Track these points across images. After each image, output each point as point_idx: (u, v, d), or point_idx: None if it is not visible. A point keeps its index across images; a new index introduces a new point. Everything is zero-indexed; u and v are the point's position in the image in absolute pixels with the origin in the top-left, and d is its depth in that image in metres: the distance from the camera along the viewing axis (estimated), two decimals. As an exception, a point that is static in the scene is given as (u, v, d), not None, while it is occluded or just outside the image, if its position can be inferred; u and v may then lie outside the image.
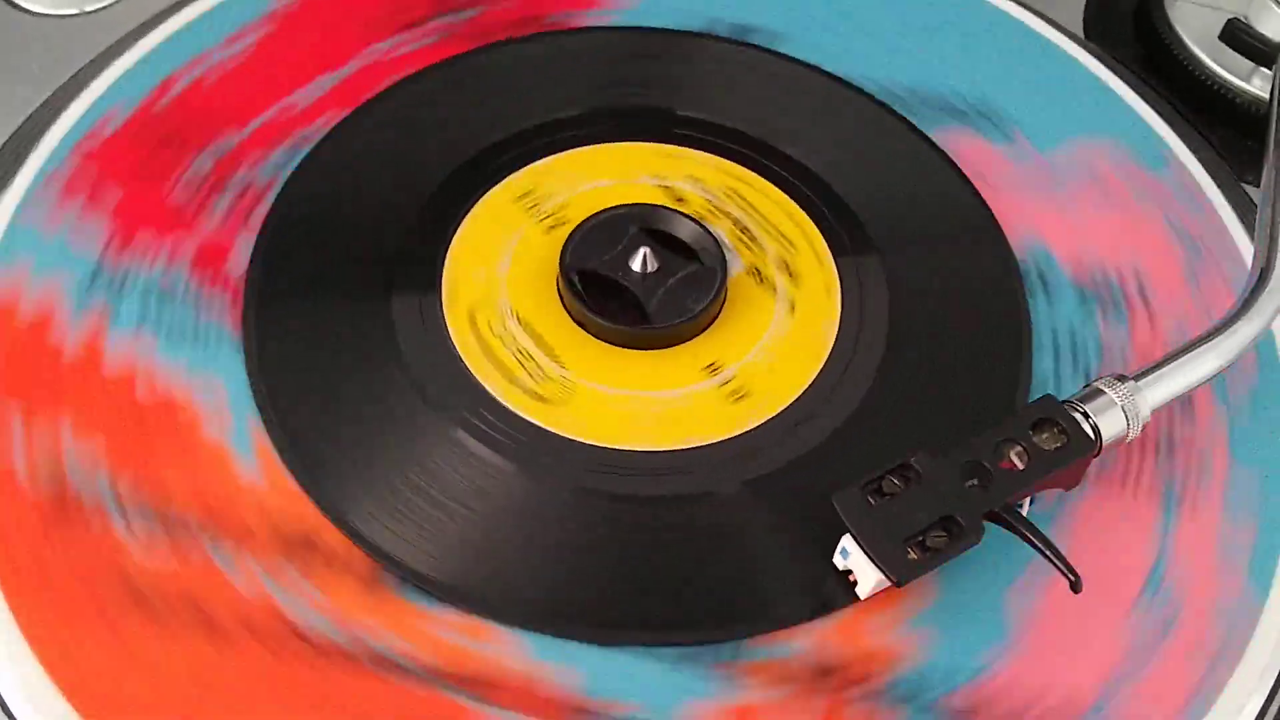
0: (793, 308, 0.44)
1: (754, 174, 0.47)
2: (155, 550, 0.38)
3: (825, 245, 0.45)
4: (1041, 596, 0.39)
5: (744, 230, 0.45)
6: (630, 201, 0.44)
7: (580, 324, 0.43)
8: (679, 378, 0.42)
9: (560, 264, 0.43)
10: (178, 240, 0.44)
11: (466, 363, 0.42)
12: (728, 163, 0.47)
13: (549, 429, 0.41)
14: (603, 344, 0.42)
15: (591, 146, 0.47)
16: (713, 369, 0.42)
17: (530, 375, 0.42)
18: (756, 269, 0.45)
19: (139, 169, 0.45)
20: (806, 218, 0.46)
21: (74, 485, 0.39)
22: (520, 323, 0.43)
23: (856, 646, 0.38)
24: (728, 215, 0.46)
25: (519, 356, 0.42)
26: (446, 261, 0.44)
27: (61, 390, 0.41)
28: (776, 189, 0.47)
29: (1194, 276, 0.46)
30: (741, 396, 0.42)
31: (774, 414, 0.41)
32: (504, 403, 0.41)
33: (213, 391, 0.41)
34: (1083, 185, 0.48)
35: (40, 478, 0.39)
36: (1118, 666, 0.38)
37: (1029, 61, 0.51)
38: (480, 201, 0.45)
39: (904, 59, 0.50)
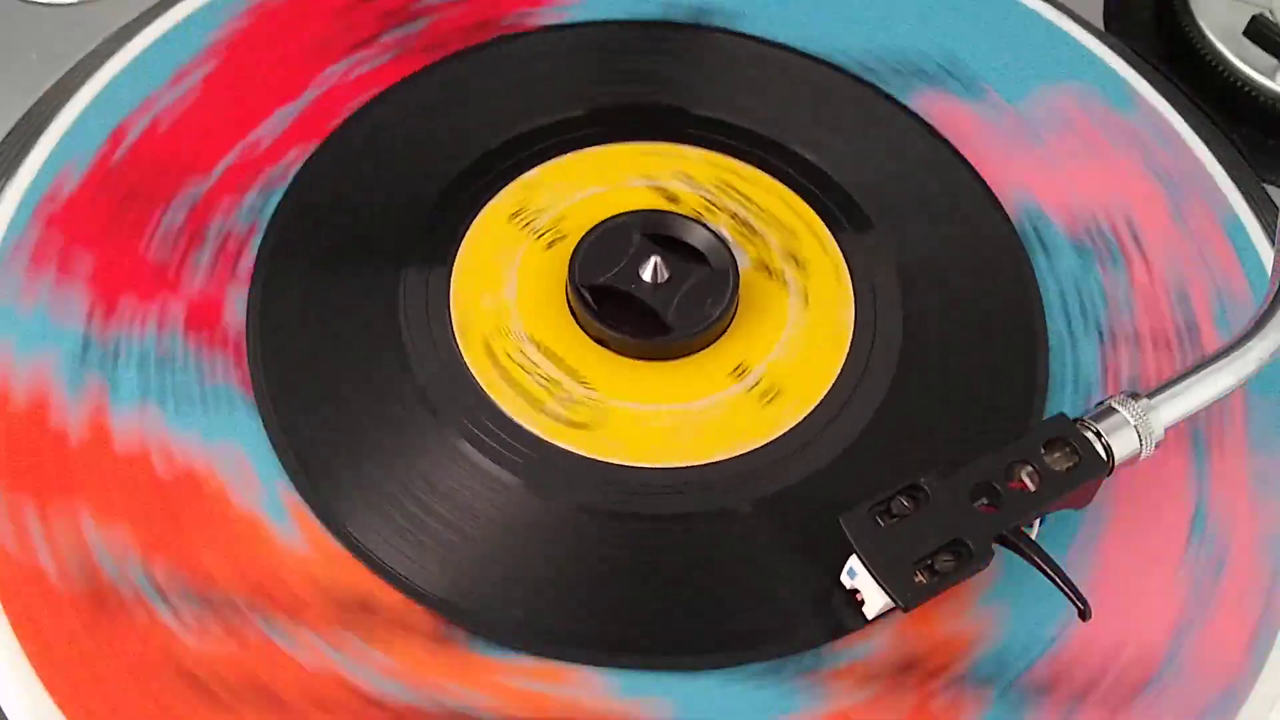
0: (806, 297, 0.43)
1: (743, 163, 0.46)
2: (208, 635, 0.36)
3: (825, 229, 0.45)
4: (1099, 558, 0.39)
5: (743, 224, 0.45)
6: (628, 209, 0.43)
7: (599, 340, 0.42)
8: (708, 385, 0.41)
9: (569, 281, 0.42)
10: (165, 301, 0.42)
11: (492, 397, 0.40)
12: (714, 154, 0.46)
13: (593, 456, 0.40)
14: (624, 359, 0.42)
15: (573, 153, 0.46)
16: (739, 372, 0.42)
17: (559, 403, 0.40)
18: (764, 262, 0.44)
19: (107, 229, 0.43)
20: (803, 203, 0.45)
21: (108, 576, 0.37)
22: (538, 348, 0.42)
23: (933, 635, 0.38)
24: (724, 210, 0.45)
25: (545, 384, 0.41)
26: (451, 296, 0.42)
27: (73, 477, 0.38)
28: (768, 176, 0.46)
29: (1180, 217, 0.46)
30: (774, 396, 0.41)
31: (812, 408, 0.41)
32: (544, 436, 0.40)
33: (234, 459, 0.39)
34: (1060, 135, 0.48)
35: (72, 573, 0.37)
36: (1181, 615, 0.39)
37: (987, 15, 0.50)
38: (472, 226, 0.44)
39: (862, 27, 0.49)
